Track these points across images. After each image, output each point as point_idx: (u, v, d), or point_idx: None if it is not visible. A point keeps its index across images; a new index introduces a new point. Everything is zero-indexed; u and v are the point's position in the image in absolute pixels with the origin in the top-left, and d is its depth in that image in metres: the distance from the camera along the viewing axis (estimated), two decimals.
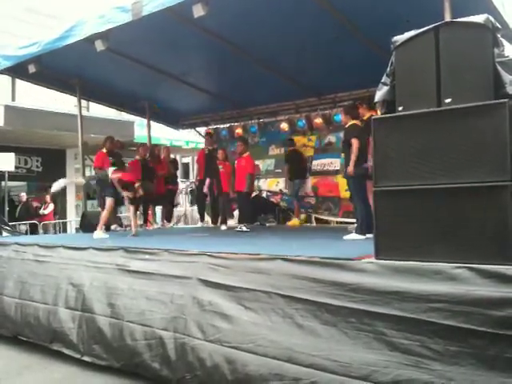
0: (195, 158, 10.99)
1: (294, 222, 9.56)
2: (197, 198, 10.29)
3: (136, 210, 7.56)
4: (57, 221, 13.24)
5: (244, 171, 7.99)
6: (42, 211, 13.65)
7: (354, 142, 5.70)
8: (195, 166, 10.70)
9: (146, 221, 9.39)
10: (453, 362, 2.59)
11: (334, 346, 2.95)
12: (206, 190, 8.87)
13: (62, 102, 13.23)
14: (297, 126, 9.87)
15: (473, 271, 2.72)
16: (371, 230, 5.40)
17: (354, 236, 5.51)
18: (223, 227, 8.40)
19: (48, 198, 13.82)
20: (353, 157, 5.71)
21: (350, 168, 5.73)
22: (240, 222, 7.93)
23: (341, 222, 9.10)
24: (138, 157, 9.24)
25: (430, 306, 2.71)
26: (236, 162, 8.36)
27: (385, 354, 2.77)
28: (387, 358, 2.75)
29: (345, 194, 8.69)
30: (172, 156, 10.95)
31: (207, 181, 8.86)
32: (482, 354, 2.53)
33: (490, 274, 2.66)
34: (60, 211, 15.12)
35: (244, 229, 7.53)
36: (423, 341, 2.69)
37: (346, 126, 6.14)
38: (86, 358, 4.24)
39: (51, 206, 13.85)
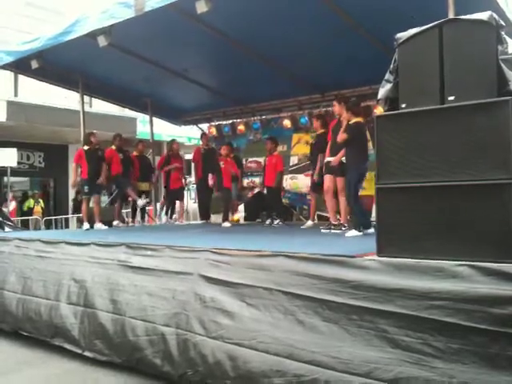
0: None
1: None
2: (198, 196, 10.30)
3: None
4: (59, 217, 13.22)
5: (274, 168, 8.49)
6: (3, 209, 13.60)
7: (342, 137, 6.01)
8: (192, 165, 10.67)
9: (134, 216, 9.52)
10: (454, 360, 2.59)
11: (335, 343, 2.96)
12: (211, 183, 9.05)
13: (64, 98, 13.23)
14: (299, 123, 9.85)
15: (474, 269, 2.72)
16: (368, 227, 5.53)
17: (355, 233, 5.55)
18: (226, 224, 8.30)
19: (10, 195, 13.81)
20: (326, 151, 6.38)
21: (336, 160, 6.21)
22: (270, 216, 8.52)
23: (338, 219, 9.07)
24: (135, 153, 9.27)
25: (431, 303, 2.71)
26: (267, 159, 8.73)
27: (386, 352, 2.77)
28: (389, 356, 2.75)
29: None
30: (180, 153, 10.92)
31: (210, 176, 9.00)
32: (484, 351, 2.53)
33: (492, 272, 2.66)
34: (60, 207, 15.11)
35: (275, 222, 8.19)
36: (425, 338, 2.69)
37: (350, 122, 6.10)
38: (87, 354, 4.24)
39: (13, 204, 13.84)
